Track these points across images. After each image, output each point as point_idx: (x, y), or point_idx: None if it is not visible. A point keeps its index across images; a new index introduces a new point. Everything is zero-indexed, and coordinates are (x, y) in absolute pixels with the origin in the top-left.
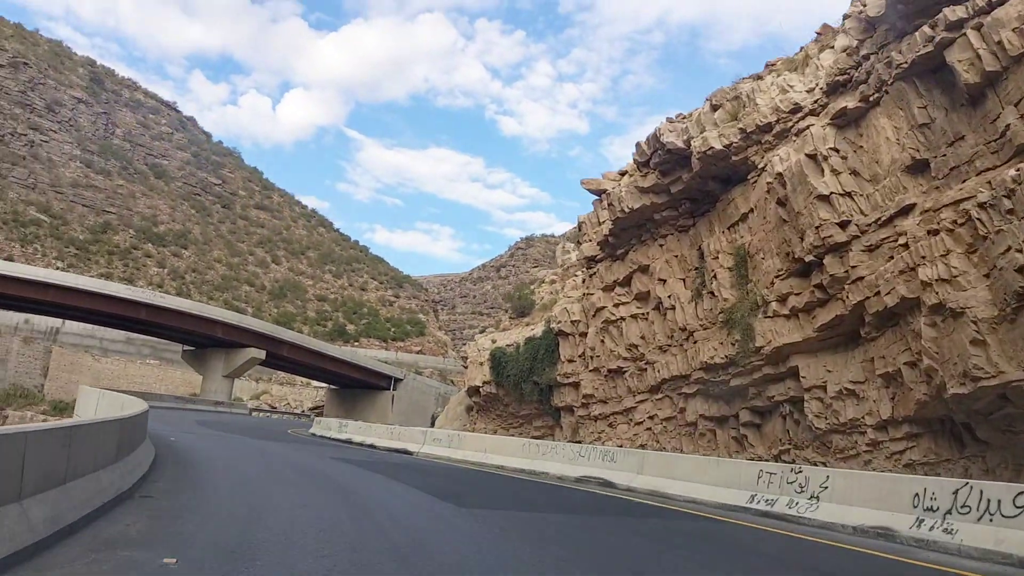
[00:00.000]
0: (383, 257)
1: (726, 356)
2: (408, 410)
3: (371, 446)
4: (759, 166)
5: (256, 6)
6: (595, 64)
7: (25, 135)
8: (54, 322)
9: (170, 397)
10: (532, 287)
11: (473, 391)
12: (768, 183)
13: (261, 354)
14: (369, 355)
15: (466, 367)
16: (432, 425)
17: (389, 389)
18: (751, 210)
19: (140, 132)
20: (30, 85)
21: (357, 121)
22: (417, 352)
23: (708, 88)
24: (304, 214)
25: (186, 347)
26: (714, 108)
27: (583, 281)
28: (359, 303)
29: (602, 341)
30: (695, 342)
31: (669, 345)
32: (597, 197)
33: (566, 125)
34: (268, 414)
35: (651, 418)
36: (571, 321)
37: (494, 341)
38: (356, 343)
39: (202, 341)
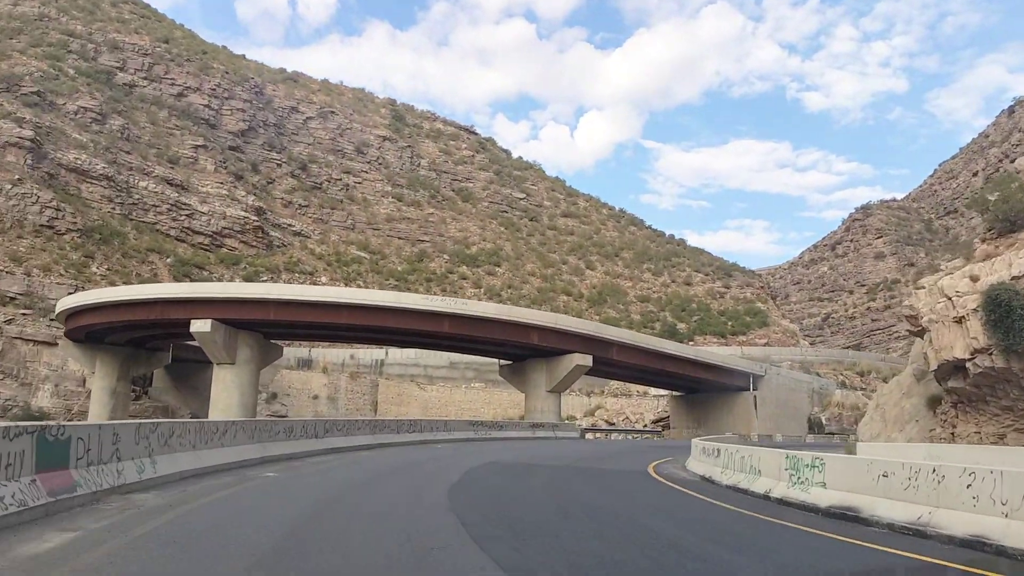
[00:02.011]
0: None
1: None
2: (776, 414)
3: (917, 532)
4: None
5: (544, 41)
6: (905, 14)
7: (340, 179)
8: (378, 354)
9: (462, 423)
10: (1018, 182)
11: (948, 371)
12: None
13: (587, 360)
14: (713, 352)
15: (916, 331)
16: (821, 432)
17: (748, 389)
18: None
19: (443, 160)
20: (339, 131)
21: (652, 130)
22: (764, 345)
23: None
24: (612, 215)
25: (502, 362)
26: None
27: None
28: (686, 299)
29: None
30: None
31: None
32: None
33: (880, 87)
34: (606, 435)
35: None
36: None
37: (974, 279)
38: (691, 342)
39: (518, 352)
